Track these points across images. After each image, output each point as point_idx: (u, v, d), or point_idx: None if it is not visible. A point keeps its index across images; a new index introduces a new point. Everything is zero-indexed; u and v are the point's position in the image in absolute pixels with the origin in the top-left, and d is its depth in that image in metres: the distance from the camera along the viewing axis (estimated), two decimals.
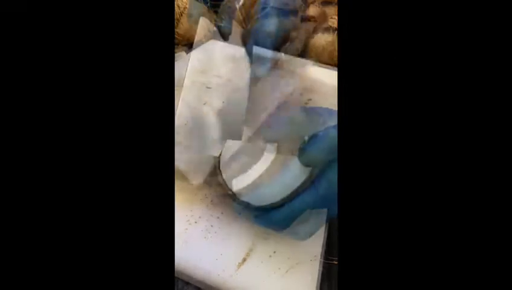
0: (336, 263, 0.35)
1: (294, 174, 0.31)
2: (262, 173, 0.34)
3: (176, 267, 0.33)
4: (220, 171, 0.35)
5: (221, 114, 0.42)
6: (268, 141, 0.35)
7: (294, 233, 0.30)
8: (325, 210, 0.30)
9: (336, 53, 0.71)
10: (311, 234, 0.30)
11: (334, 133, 0.27)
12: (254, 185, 0.33)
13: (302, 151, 0.29)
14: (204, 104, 0.38)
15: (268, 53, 0.49)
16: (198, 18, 0.46)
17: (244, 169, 0.35)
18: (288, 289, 0.31)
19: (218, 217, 0.36)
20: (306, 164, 0.29)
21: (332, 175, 0.28)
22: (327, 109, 0.34)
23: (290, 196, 0.29)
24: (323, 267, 0.33)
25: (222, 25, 0.42)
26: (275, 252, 0.33)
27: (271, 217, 0.30)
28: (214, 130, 0.39)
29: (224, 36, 0.47)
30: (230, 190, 0.33)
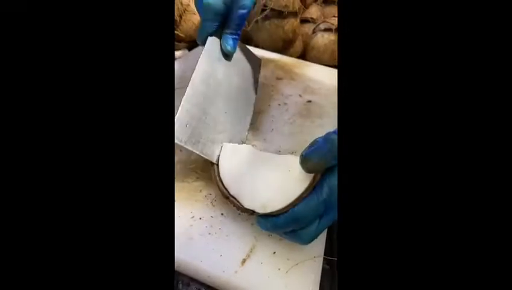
0: (336, 262, 0.35)
1: (297, 180, 0.31)
2: (265, 180, 0.33)
3: (176, 268, 0.32)
4: (220, 178, 0.35)
5: (222, 115, 0.42)
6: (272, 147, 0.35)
7: (297, 237, 0.30)
8: (328, 215, 0.30)
9: (336, 53, 0.72)
10: (313, 239, 0.30)
11: (334, 138, 0.27)
12: (257, 193, 0.32)
13: (303, 158, 0.29)
14: (205, 104, 0.38)
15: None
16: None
17: (245, 176, 0.34)
18: (289, 289, 0.31)
19: (218, 218, 0.36)
20: (308, 171, 0.29)
21: (334, 180, 0.29)
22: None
23: (293, 203, 0.29)
24: (324, 267, 0.33)
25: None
26: (274, 252, 0.33)
27: (275, 221, 0.30)
28: (214, 131, 0.39)
29: None
30: (233, 197, 0.33)
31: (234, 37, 0.42)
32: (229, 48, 0.42)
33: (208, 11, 0.40)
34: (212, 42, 0.42)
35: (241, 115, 0.44)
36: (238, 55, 0.46)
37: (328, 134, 0.28)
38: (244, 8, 0.40)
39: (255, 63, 0.51)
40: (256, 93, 0.48)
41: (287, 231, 0.31)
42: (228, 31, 0.41)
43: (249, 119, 0.45)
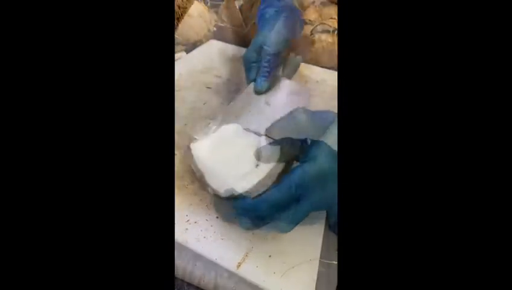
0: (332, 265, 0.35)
1: (270, 168, 0.32)
2: (238, 165, 0.35)
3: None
4: (195, 163, 0.36)
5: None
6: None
7: (274, 225, 0.31)
8: (304, 201, 0.30)
9: (335, 54, 0.71)
10: (292, 226, 0.31)
11: (300, 118, 0.31)
12: (227, 176, 0.34)
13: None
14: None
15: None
16: (198, 18, 0.47)
17: (217, 160, 0.36)
18: None
19: (213, 222, 0.36)
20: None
21: (308, 167, 0.30)
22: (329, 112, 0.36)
23: (265, 183, 0.31)
24: (320, 270, 0.33)
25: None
26: (270, 256, 0.33)
27: (246, 202, 0.31)
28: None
29: (224, 36, 0.48)
30: (201, 176, 0.34)
31: (262, 79, 0.48)
32: (258, 87, 0.48)
33: (246, 62, 0.49)
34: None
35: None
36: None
37: (292, 112, 0.33)
38: (268, 54, 0.47)
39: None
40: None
41: (263, 217, 0.31)
42: (260, 74, 0.48)
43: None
